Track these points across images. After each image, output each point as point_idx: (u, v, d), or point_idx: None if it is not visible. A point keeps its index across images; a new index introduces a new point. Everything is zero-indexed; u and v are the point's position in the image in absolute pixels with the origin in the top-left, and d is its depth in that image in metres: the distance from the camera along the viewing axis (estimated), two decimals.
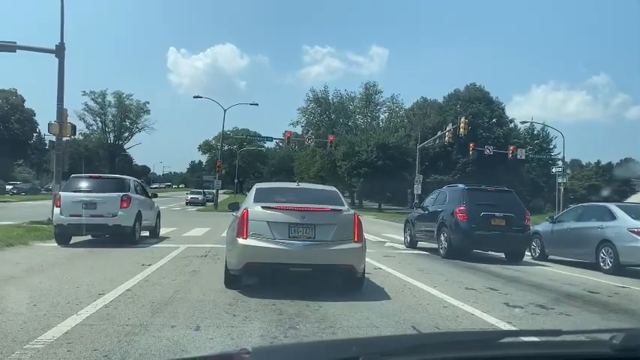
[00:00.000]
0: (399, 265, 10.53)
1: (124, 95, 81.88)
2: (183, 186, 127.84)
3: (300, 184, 8.92)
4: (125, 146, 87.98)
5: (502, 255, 12.95)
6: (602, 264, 11.17)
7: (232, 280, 6.88)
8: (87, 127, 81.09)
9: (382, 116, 67.30)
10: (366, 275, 7.37)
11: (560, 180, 36.30)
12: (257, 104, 53.41)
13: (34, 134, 75.72)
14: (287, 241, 6.53)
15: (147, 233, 14.21)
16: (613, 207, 11.96)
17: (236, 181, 70.03)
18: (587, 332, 1.74)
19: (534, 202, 47.96)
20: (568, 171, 42.18)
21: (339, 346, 1.57)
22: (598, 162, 70.42)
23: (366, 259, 7.45)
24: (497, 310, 6.38)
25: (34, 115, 74.27)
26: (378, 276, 8.69)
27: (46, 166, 63.79)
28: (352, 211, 7.17)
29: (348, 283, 7.11)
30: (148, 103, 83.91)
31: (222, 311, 5.57)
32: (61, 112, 17.71)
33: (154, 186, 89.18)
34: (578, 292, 8.33)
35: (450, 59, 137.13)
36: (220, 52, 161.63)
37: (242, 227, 6.60)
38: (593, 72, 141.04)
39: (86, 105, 79.56)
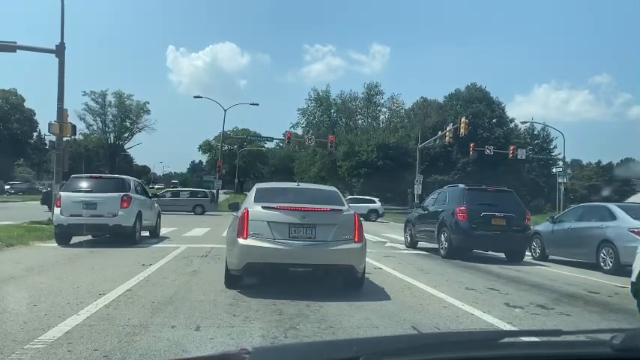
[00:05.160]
0: (400, 265, 10.53)
1: (125, 95, 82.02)
2: (160, 186, 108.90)
3: (300, 184, 8.92)
4: (125, 146, 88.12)
5: (502, 255, 12.96)
6: (602, 264, 11.16)
7: (233, 280, 6.89)
8: (87, 127, 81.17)
9: (382, 117, 67.45)
10: (366, 275, 7.37)
11: (560, 180, 36.32)
12: (257, 104, 53.74)
13: (34, 134, 75.90)
14: (287, 241, 6.54)
15: (147, 233, 14.22)
16: (613, 207, 11.96)
17: (236, 181, 70.03)
18: (587, 332, 1.74)
19: (535, 202, 47.95)
20: (568, 171, 42.25)
21: (339, 346, 1.57)
22: (599, 162, 70.57)
23: (366, 259, 7.45)
24: (498, 310, 6.38)
25: (34, 115, 74.51)
26: (378, 276, 8.69)
27: (46, 166, 63.92)
28: (352, 211, 7.17)
29: (349, 283, 7.12)
30: (148, 103, 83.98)
31: (223, 311, 5.57)
32: (61, 112, 17.71)
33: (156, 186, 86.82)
34: (578, 292, 8.33)
35: (451, 58, 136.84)
36: (220, 50, 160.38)
37: (242, 227, 6.60)
38: (595, 71, 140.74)
39: (86, 105, 79.66)
